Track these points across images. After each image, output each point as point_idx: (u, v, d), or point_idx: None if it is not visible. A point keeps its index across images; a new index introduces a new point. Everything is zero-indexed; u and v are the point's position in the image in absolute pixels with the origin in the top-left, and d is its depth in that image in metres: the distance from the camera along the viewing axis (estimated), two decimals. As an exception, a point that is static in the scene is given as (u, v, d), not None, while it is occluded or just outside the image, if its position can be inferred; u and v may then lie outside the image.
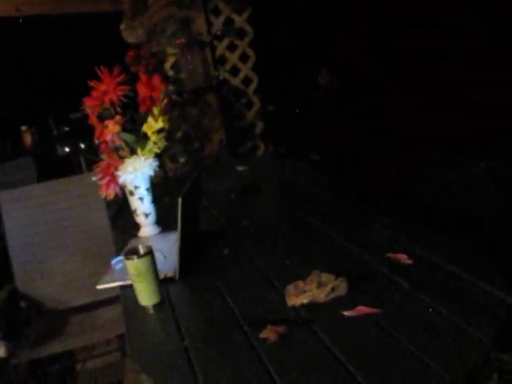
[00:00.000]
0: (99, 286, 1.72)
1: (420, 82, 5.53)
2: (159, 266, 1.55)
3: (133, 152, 2.02)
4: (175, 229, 1.57)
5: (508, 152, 4.04)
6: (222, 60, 3.38)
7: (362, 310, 1.24)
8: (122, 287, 1.66)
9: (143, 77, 2.14)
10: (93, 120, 2.06)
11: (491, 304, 1.17)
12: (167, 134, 2.12)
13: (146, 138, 2.03)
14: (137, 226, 2.14)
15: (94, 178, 2.08)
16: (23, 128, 5.27)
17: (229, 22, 3.40)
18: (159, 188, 2.64)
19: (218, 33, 3.34)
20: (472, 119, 4.72)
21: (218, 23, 3.36)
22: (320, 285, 1.32)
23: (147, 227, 2.11)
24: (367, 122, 5.02)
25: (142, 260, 1.42)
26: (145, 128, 2.03)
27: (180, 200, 1.50)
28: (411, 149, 4.60)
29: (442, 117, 5.04)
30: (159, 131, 2.03)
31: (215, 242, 1.90)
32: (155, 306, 1.47)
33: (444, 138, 4.65)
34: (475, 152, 4.38)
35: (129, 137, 2.01)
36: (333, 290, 1.31)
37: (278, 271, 1.54)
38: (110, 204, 2.45)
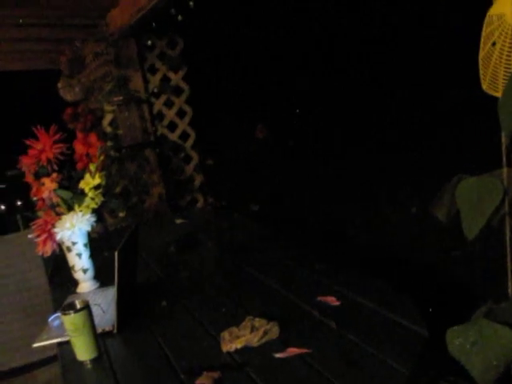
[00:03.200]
0: (35, 345, 1.70)
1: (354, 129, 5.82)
2: (97, 321, 1.57)
3: (70, 208, 2.04)
4: (114, 283, 1.60)
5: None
6: (159, 116, 3.48)
7: (292, 351, 1.30)
8: (59, 344, 1.65)
9: (80, 134, 2.20)
10: (29, 178, 2.08)
11: (410, 338, 1.27)
12: (105, 189, 2.15)
13: (83, 194, 2.06)
14: (75, 282, 2.13)
15: (30, 236, 2.08)
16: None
17: (165, 79, 3.52)
18: (99, 243, 2.65)
19: (155, 90, 3.45)
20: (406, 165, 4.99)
21: (155, 81, 3.47)
22: (253, 329, 1.38)
23: (85, 283, 2.11)
24: (303, 173, 5.22)
25: (79, 314, 1.43)
26: (82, 184, 2.06)
27: (116, 253, 1.54)
28: (344, 194, 4.79)
29: (375, 164, 5.30)
30: (96, 187, 2.07)
31: (153, 294, 1.93)
32: (93, 361, 1.47)
33: (378, 181, 4.89)
34: (408, 195, 4.62)
35: (65, 193, 2.04)
36: (265, 333, 1.37)
37: (214, 319, 1.59)
38: (47, 261, 2.43)
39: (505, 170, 0.80)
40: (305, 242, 2.88)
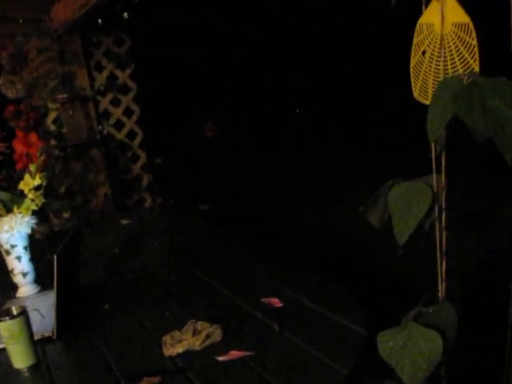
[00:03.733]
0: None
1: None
2: (36, 326, 1.52)
3: (9, 210, 1.97)
4: (51, 287, 1.56)
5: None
6: (105, 115, 3.40)
7: (234, 354, 1.30)
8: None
9: (20, 134, 2.13)
10: (-35, 179, 2.01)
11: (350, 337, 1.29)
12: (49, 189, 2.10)
13: (22, 195, 1.99)
14: (15, 287, 2.06)
15: (-34, 239, 2.00)
16: None
17: (112, 77, 3.45)
18: (43, 244, 2.57)
19: (101, 88, 3.37)
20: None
21: (101, 78, 3.39)
22: (195, 333, 1.37)
23: (25, 287, 2.04)
24: (254, 170, 5.24)
25: (15, 321, 1.39)
26: (21, 185, 1.99)
27: (55, 257, 1.50)
28: (298, 193, 4.83)
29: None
30: (37, 188, 2.01)
31: (96, 297, 1.89)
32: (30, 369, 1.43)
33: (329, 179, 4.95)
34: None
35: (4, 195, 1.97)
36: (208, 337, 1.36)
37: (157, 323, 1.57)
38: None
39: (434, 175, 0.83)
40: (252, 241, 2.88)
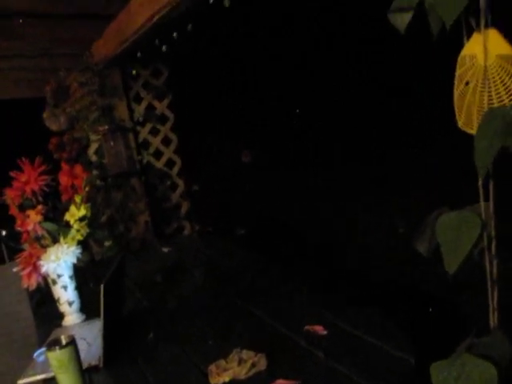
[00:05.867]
0: (20, 381, 1.68)
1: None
2: (83, 355, 1.56)
3: (55, 241, 2.03)
4: (100, 316, 1.59)
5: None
6: (145, 144, 3.49)
7: (280, 383, 1.30)
8: (44, 380, 1.63)
9: (65, 166, 2.20)
10: (14, 210, 2.07)
11: (397, 365, 1.27)
12: (91, 218, 2.15)
13: (68, 226, 2.05)
14: (61, 315, 2.11)
15: (15, 269, 2.07)
16: None
17: (150, 108, 3.54)
18: (85, 273, 2.63)
19: (140, 119, 3.46)
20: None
21: (140, 109, 3.49)
22: (241, 362, 1.38)
23: (71, 315, 2.09)
24: (288, 197, 5.26)
25: (64, 350, 1.42)
26: (67, 216, 2.06)
27: (102, 287, 1.53)
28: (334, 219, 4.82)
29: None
30: (82, 219, 2.07)
31: (140, 325, 1.92)
32: (79, 397, 1.46)
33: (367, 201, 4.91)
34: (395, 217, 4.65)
35: (51, 226, 2.03)
36: (253, 366, 1.36)
37: (201, 351, 1.58)
38: (32, 294, 2.40)
39: (482, 204, 0.83)
40: (292, 267, 2.87)
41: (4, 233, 4.89)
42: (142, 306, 2.17)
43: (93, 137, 3.31)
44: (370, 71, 6.01)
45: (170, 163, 3.57)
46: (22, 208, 2.07)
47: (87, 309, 2.13)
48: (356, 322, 1.57)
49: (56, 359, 1.43)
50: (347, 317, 1.62)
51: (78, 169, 2.16)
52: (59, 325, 2.08)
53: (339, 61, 5.84)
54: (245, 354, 1.41)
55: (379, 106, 6.06)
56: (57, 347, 1.43)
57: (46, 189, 2.08)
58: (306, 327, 1.58)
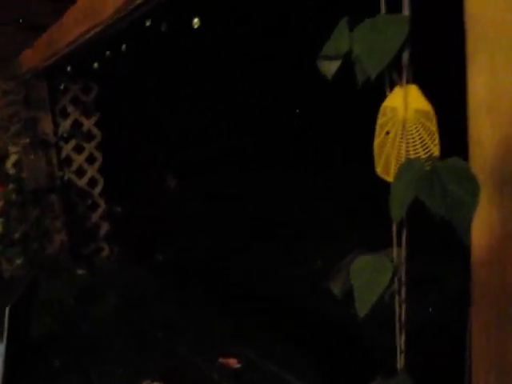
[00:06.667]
0: None
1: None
2: (-20, 382, 1.46)
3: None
4: (3, 339, 1.50)
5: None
6: (67, 161, 3.38)
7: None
8: None
9: (-21, 178, 2.09)
10: None
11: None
12: (3, 234, 2.04)
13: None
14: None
15: None
16: None
17: (77, 124, 3.44)
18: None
19: (65, 134, 3.36)
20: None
21: (66, 125, 3.38)
22: (150, 394, 1.34)
23: (-29, 337, 1.96)
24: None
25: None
26: (-24, 231, 1.95)
27: (7, 309, 1.45)
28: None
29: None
30: (-8, 235, 1.96)
31: (47, 351, 1.82)
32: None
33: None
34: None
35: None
36: (162, 398, 1.33)
37: (110, 382, 1.53)
38: None
39: (395, 249, 0.86)
40: (205, 297, 2.84)
41: None
42: (51, 330, 2.07)
43: (12, 149, 3.17)
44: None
45: (92, 182, 3.47)
46: None
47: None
48: (271, 357, 1.58)
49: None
50: (260, 350, 1.62)
51: (-7, 182, 2.06)
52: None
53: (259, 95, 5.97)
54: (155, 385, 1.37)
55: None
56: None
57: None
58: (220, 360, 1.57)
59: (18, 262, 3.07)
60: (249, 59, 5.44)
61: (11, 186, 3.10)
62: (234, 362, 1.54)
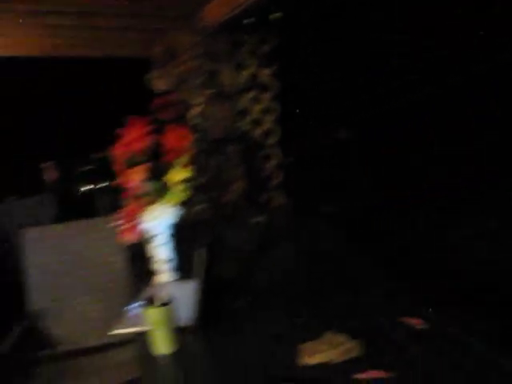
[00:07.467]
0: (113, 332, 1.74)
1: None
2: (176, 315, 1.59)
3: (157, 200, 2.08)
4: (191, 277, 1.60)
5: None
6: (245, 112, 3.48)
7: (372, 373, 1.25)
8: (136, 334, 1.67)
9: (170, 127, 2.23)
10: (119, 166, 2.13)
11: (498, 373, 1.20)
12: (193, 181, 2.17)
13: (171, 186, 2.09)
14: (155, 272, 2.17)
15: (114, 223, 2.14)
16: (45, 164, 5.34)
17: (255, 75, 3.51)
18: (178, 234, 2.68)
19: (243, 86, 3.45)
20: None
21: (244, 77, 3.47)
22: (334, 345, 1.34)
23: (164, 274, 2.15)
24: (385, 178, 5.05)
25: (162, 309, 1.45)
26: (171, 177, 2.09)
27: (204, 250, 1.54)
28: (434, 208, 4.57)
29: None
30: (184, 180, 2.09)
31: (233, 293, 1.92)
32: (171, 356, 1.49)
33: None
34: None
35: (153, 185, 2.07)
36: (346, 351, 1.33)
37: (293, 329, 1.57)
38: (128, 248, 2.48)
39: None
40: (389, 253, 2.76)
41: (103, 185, 5.13)
42: (233, 275, 2.17)
43: (196, 100, 3.34)
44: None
45: (268, 133, 3.54)
46: (129, 165, 2.12)
47: (178, 270, 2.17)
48: (455, 320, 1.49)
49: (152, 316, 1.46)
50: (446, 314, 1.53)
51: (184, 131, 2.19)
52: (152, 282, 2.14)
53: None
54: (339, 337, 1.37)
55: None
56: (154, 305, 1.46)
57: (151, 148, 2.12)
58: (404, 319, 1.52)
59: (198, 207, 3.27)
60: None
61: (196, 135, 3.29)
62: (418, 323, 1.48)
